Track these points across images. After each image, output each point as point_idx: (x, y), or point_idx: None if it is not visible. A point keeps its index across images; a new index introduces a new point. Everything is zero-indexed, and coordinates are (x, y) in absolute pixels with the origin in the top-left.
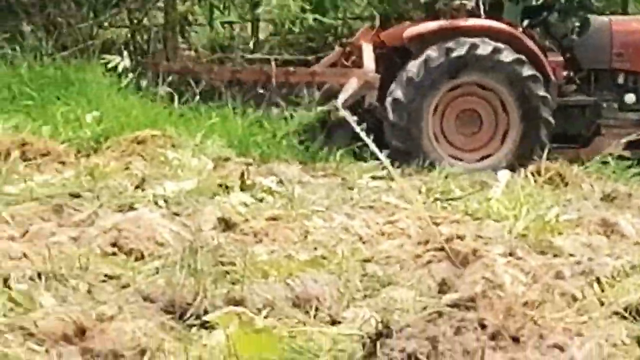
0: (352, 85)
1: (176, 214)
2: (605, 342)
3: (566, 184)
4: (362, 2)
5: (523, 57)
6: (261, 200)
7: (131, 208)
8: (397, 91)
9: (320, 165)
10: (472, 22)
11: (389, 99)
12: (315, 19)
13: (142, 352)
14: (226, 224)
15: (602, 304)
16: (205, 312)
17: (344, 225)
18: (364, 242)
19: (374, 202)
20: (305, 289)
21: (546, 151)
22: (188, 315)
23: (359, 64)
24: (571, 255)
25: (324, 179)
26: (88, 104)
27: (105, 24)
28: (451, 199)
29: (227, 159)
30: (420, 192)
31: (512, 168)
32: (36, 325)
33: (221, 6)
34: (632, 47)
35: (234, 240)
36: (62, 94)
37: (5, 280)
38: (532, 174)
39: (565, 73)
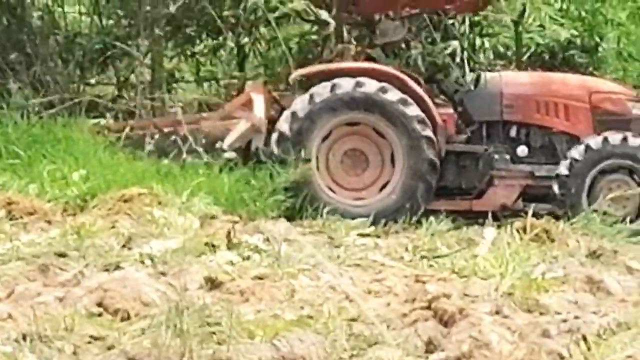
0: (239, 129)
1: (162, 274)
2: None
3: (552, 241)
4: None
5: (408, 98)
6: (248, 259)
7: (117, 267)
8: (283, 125)
9: (307, 223)
10: (356, 64)
11: (274, 134)
12: None
13: None
14: (212, 283)
15: None
16: None
17: (331, 284)
18: (350, 301)
19: (361, 260)
20: (292, 349)
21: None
22: None
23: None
24: (557, 313)
25: (310, 237)
26: (75, 162)
27: (92, 81)
28: (438, 257)
29: (213, 217)
30: (406, 249)
31: (396, 216)
32: None
33: (208, 62)
34: (521, 99)
35: (220, 300)
36: (48, 152)
37: None
38: (518, 230)
39: (456, 126)
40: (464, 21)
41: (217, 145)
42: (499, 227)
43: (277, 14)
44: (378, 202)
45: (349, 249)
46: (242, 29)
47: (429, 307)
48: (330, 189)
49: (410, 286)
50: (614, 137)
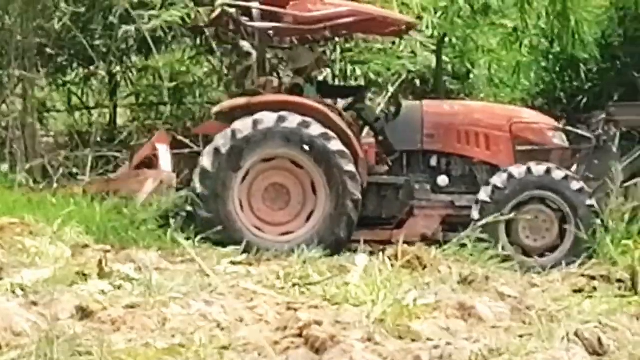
0: (148, 189)
1: (34, 303)
2: None
3: (424, 267)
4: (219, 87)
5: (330, 132)
6: (119, 288)
7: None
8: (205, 161)
9: (179, 251)
10: (279, 97)
11: (197, 170)
12: (173, 104)
13: None
14: (84, 313)
15: None
16: None
17: (202, 312)
18: (222, 329)
19: (233, 288)
20: None
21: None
22: None
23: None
24: (429, 339)
25: (182, 265)
26: None
27: None
28: (309, 284)
29: (85, 246)
30: (278, 277)
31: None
32: None
33: (79, 92)
34: (443, 128)
35: (91, 329)
36: None
37: None
38: (390, 257)
39: (377, 155)
40: (335, 48)
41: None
42: (371, 254)
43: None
44: (303, 235)
45: (220, 277)
46: (114, 57)
47: (300, 335)
48: (257, 227)
49: (282, 314)
50: (538, 168)
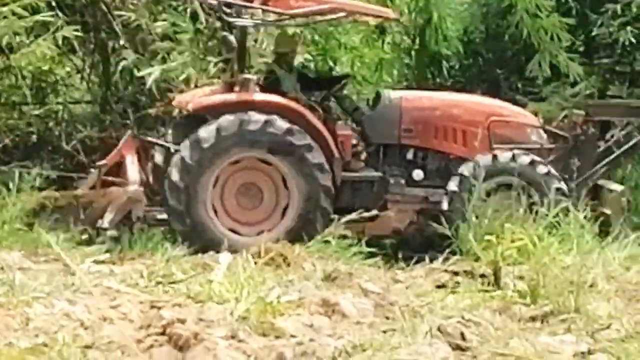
0: (115, 205)
1: None
2: None
3: (288, 265)
4: (82, 86)
5: (294, 127)
6: None
7: None
8: (184, 151)
9: (42, 251)
10: (264, 97)
11: (175, 157)
12: (35, 104)
13: None
14: None
15: None
16: None
17: (66, 312)
18: (85, 328)
19: (96, 286)
20: None
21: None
22: None
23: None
24: (293, 336)
25: (45, 265)
26: None
27: None
28: (173, 282)
29: None
30: (142, 275)
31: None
32: None
33: None
34: (421, 123)
35: None
36: None
37: None
38: (253, 255)
39: (354, 147)
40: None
41: (98, 223)
42: (234, 252)
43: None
44: (281, 231)
45: (84, 276)
46: None
47: (164, 333)
48: (232, 231)
49: (146, 312)
50: (503, 155)
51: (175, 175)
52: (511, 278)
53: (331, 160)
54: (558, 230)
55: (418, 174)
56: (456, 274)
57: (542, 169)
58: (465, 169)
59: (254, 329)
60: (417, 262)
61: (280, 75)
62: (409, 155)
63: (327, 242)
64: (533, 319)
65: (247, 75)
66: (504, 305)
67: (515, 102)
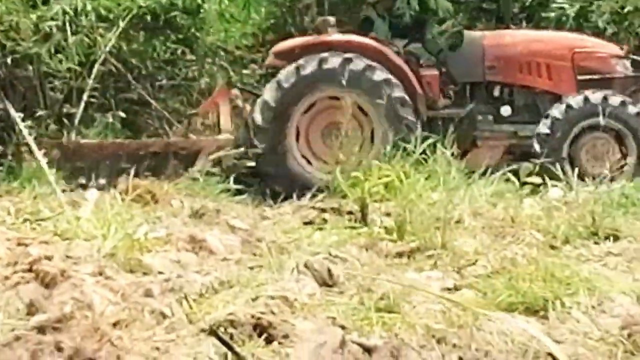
0: (207, 151)
1: None
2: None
3: (156, 202)
4: None
5: (391, 77)
6: None
7: None
8: (266, 94)
9: None
10: (341, 37)
11: (258, 101)
12: None
13: None
14: None
15: (190, 321)
16: None
17: None
18: None
19: None
20: None
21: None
22: None
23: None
24: (160, 272)
25: None
26: None
27: None
28: (40, 220)
29: None
30: (9, 213)
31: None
32: None
33: None
34: (504, 59)
35: None
36: None
37: None
38: (121, 192)
39: (440, 87)
40: None
41: (189, 172)
42: (101, 189)
43: None
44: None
45: None
46: None
47: (30, 270)
48: (307, 161)
49: (13, 249)
50: (595, 96)
51: (258, 118)
52: (378, 215)
53: (414, 96)
54: (425, 167)
55: (506, 110)
56: (323, 210)
57: (632, 110)
58: (556, 111)
59: (121, 265)
60: (285, 199)
61: (374, 19)
62: (496, 92)
63: (195, 179)
64: (400, 255)
65: (325, 17)
66: (371, 241)
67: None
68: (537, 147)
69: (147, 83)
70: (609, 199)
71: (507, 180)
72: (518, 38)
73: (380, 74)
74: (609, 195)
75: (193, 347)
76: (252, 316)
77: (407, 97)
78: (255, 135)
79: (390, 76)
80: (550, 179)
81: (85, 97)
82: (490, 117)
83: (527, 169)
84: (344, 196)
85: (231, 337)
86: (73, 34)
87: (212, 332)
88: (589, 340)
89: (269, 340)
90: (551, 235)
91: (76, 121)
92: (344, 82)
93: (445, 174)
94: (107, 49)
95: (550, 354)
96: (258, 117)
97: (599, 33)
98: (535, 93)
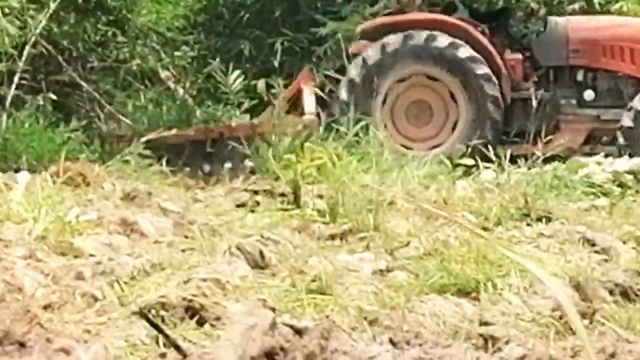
0: (292, 133)
1: None
2: (125, 342)
3: (87, 184)
4: None
5: (475, 54)
6: None
7: None
8: (352, 71)
9: None
10: (426, 15)
11: (344, 79)
12: None
13: None
14: None
15: (122, 304)
16: None
17: None
18: None
19: None
20: None
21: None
22: None
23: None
24: (91, 255)
25: None
26: None
27: None
28: None
29: None
30: None
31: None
32: None
33: None
34: (588, 44)
35: None
36: None
37: None
38: (52, 175)
39: (523, 71)
40: None
41: None
42: (32, 171)
43: None
44: (452, 144)
45: None
46: None
47: None
48: (405, 147)
49: None
50: None
51: (343, 94)
52: (310, 197)
53: (499, 76)
54: (358, 149)
55: (589, 95)
56: (256, 193)
57: None
58: (639, 103)
59: (52, 248)
60: (217, 181)
61: (458, 6)
62: (579, 77)
63: (126, 161)
64: (332, 237)
65: None
66: (304, 223)
67: (314, 22)
68: (621, 140)
69: (78, 65)
70: (542, 180)
71: (440, 162)
72: (603, 23)
73: (464, 51)
74: (542, 176)
75: (124, 330)
76: (184, 299)
77: (491, 74)
78: (341, 111)
79: (474, 53)
80: (482, 160)
81: (16, 79)
82: (574, 101)
83: (459, 151)
84: (277, 178)
85: (162, 319)
86: (4, 15)
87: (142, 314)
88: (521, 321)
89: (200, 323)
90: (483, 217)
91: (7, 103)
92: (429, 58)
93: (378, 155)
94: (38, 31)
95: (481, 335)
96: (344, 94)
97: None
98: (618, 77)
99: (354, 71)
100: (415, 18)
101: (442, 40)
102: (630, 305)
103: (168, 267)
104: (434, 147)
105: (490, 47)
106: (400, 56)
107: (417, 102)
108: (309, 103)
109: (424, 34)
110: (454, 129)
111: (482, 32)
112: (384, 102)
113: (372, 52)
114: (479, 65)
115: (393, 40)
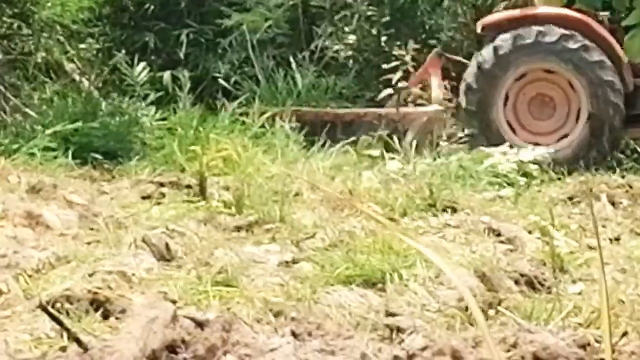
0: (417, 123)
1: None
2: (29, 335)
3: None
4: None
5: (587, 43)
6: None
7: None
8: (482, 56)
9: None
10: (541, 9)
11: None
12: None
13: None
14: None
15: (27, 297)
16: None
17: None
18: None
19: None
20: None
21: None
22: None
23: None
24: None
25: None
26: None
27: None
28: None
29: None
30: None
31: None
32: None
33: None
34: None
35: None
36: None
37: None
38: None
39: None
40: None
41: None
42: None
43: None
44: (579, 134)
45: None
46: None
47: None
48: (511, 127)
49: None
50: None
51: (470, 78)
52: (216, 188)
53: (619, 64)
54: (263, 140)
55: None
56: (162, 184)
57: None
58: None
59: None
60: (122, 174)
61: None
62: None
63: (32, 154)
64: (238, 228)
65: None
66: (209, 215)
67: (219, 14)
68: None
69: None
70: (447, 171)
71: (346, 152)
72: None
73: (576, 41)
74: (447, 167)
75: (29, 323)
76: (89, 291)
77: (606, 60)
78: (466, 95)
79: (587, 42)
80: (388, 151)
81: None
82: None
83: (365, 141)
84: (183, 170)
85: (67, 313)
86: None
87: (43, 307)
88: (427, 312)
89: (105, 316)
90: (389, 208)
91: None
92: (558, 56)
93: (283, 147)
94: None
95: (387, 326)
96: (470, 78)
97: None
98: None
99: (484, 57)
100: (536, 13)
101: (555, 33)
102: (535, 295)
103: (73, 259)
104: (562, 137)
105: (609, 37)
106: (529, 51)
107: (540, 96)
108: (436, 92)
109: (558, 32)
110: (577, 118)
111: (601, 22)
112: (505, 98)
113: (504, 42)
114: (606, 71)
115: (526, 34)
